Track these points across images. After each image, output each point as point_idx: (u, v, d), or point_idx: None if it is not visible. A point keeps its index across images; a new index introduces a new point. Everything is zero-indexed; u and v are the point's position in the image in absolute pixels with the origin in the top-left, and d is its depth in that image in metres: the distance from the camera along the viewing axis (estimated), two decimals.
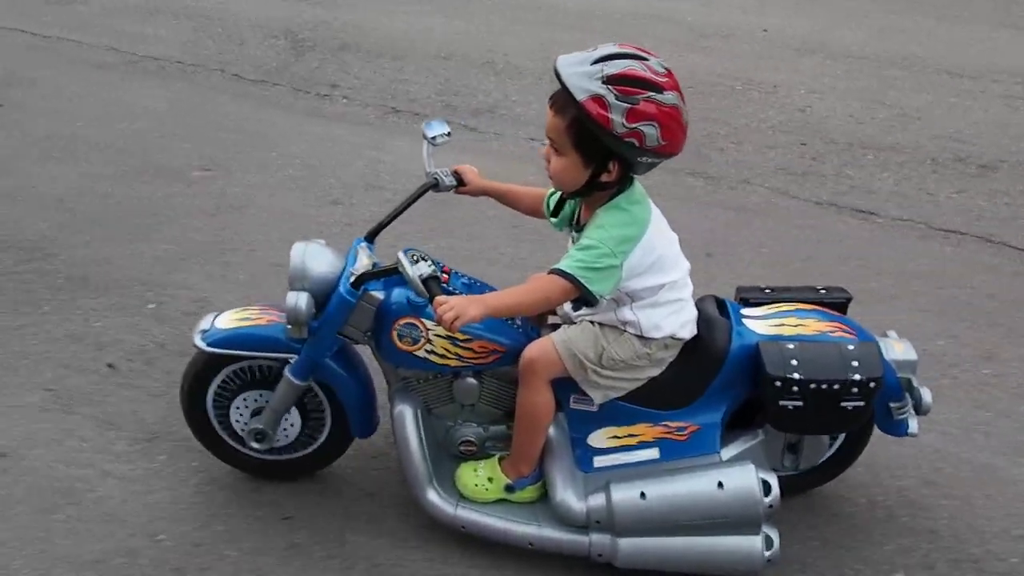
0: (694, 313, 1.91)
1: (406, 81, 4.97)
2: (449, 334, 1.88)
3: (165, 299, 2.96)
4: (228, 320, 2.05)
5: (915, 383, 1.96)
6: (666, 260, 1.84)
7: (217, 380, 2.08)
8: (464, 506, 1.99)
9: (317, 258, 1.94)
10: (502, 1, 6.29)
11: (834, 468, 2.13)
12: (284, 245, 2.06)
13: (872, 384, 1.81)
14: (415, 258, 1.77)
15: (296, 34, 5.64)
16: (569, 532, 1.93)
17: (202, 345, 2.01)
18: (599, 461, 1.96)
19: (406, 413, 1.99)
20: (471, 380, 1.98)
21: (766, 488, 1.85)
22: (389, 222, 1.98)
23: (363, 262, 1.92)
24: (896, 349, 1.97)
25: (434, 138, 2.03)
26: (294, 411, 2.11)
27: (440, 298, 1.70)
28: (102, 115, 4.48)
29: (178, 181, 3.84)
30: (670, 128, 1.69)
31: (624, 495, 1.88)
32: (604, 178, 1.75)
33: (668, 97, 1.68)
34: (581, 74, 1.67)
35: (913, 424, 2.00)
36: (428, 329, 1.91)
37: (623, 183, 1.79)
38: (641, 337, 1.86)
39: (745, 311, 1.99)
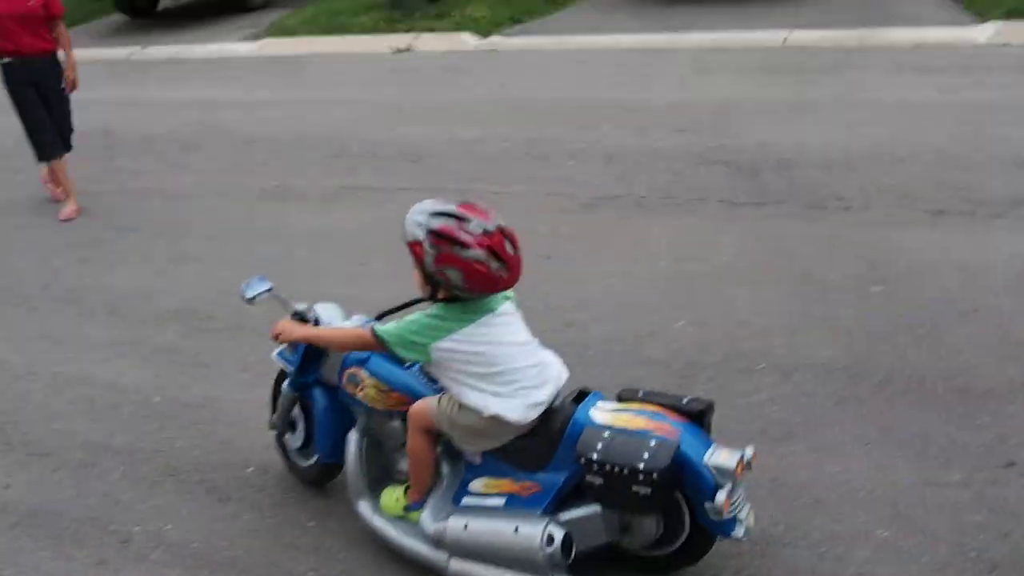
0: (530, 400, 2.46)
1: (893, 188, 5.16)
2: (376, 384, 2.69)
3: None
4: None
5: (722, 489, 2.31)
6: (493, 357, 2.44)
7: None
8: (378, 516, 2.75)
9: (327, 311, 2.87)
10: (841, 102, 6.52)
11: (689, 554, 2.53)
12: None
13: (655, 475, 2.25)
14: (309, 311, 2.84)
15: (702, 155, 5.84)
16: (429, 547, 2.62)
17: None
18: (466, 501, 2.62)
19: (352, 439, 2.80)
20: (395, 423, 2.72)
21: (550, 540, 2.40)
22: (392, 312, 2.78)
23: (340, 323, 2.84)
24: (721, 456, 2.34)
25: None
26: (301, 423, 3.05)
27: (279, 323, 2.74)
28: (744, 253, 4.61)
29: None
30: (472, 276, 2.36)
31: (455, 524, 2.55)
32: (439, 296, 2.47)
33: (471, 253, 2.33)
34: (415, 222, 2.39)
35: (739, 528, 2.38)
36: (364, 379, 2.72)
37: (459, 299, 2.45)
38: (478, 413, 2.45)
39: (601, 403, 2.51)
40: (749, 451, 2.37)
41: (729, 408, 3.43)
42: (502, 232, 2.37)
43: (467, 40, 9.13)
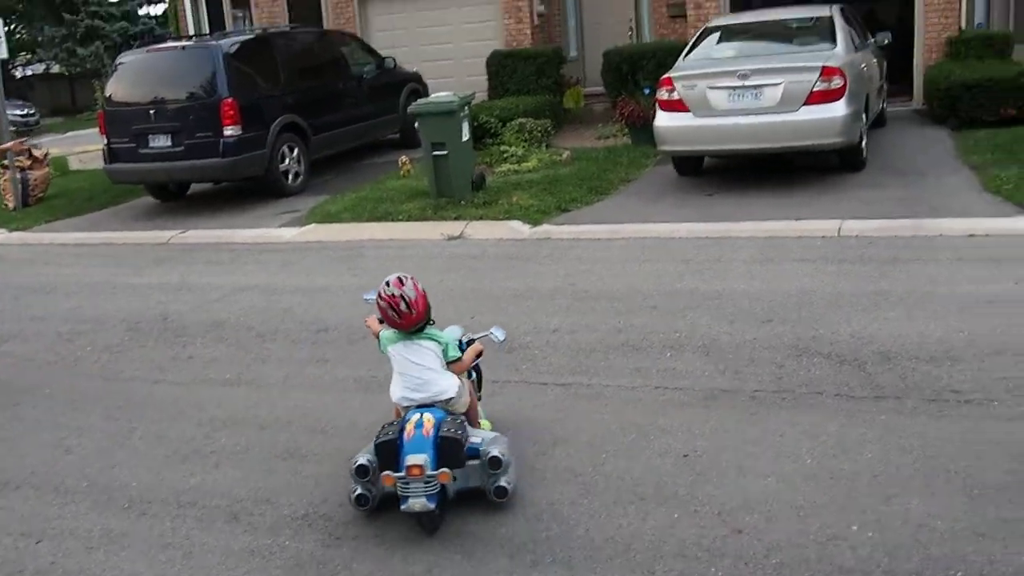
0: (404, 395, 4.33)
1: (1008, 380, 5.15)
2: None
3: None
4: None
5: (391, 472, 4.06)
6: (399, 363, 4.32)
7: None
8: None
9: (451, 329, 4.69)
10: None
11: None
12: None
13: (373, 445, 4.18)
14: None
15: (798, 346, 5.82)
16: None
17: None
18: None
19: None
20: None
21: (354, 462, 4.16)
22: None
23: None
24: (408, 458, 3.98)
25: None
26: None
27: (368, 318, 4.73)
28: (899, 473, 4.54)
29: None
30: (383, 315, 4.30)
31: None
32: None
33: (380, 303, 4.24)
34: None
35: (403, 504, 3.98)
36: None
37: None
38: None
39: (427, 413, 4.20)
40: (435, 474, 3.95)
41: None
42: (402, 297, 4.16)
43: (520, 228, 9.25)
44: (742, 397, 5.28)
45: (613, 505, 4.26)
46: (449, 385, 4.28)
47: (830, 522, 3.97)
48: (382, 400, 5.42)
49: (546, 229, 9.27)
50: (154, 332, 7.42)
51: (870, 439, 4.66)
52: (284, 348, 6.77)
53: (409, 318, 4.21)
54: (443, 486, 4.01)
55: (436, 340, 4.34)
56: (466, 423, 4.30)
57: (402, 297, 4.16)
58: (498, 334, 4.75)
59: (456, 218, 9.80)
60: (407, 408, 4.27)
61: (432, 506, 3.94)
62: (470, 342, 4.63)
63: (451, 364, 4.37)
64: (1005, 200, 8.68)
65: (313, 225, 10.45)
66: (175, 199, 12.97)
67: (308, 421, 5.47)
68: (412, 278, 4.26)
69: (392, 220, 10.11)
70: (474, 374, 4.85)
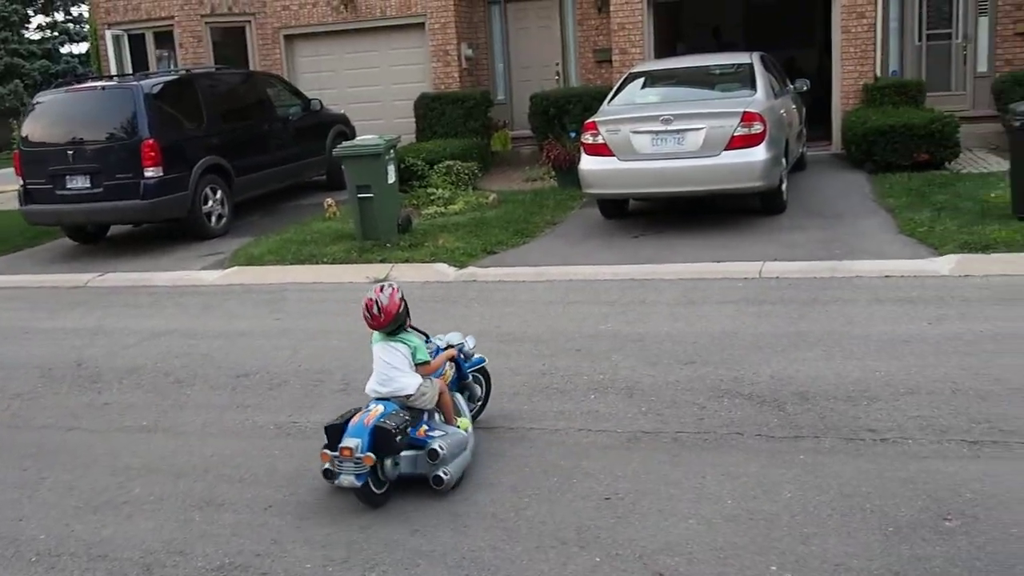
0: (373, 387, 4.88)
1: (921, 419, 5.28)
2: None
3: None
4: None
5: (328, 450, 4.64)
6: (374, 360, 4.88)
7: None
8: None
9: (451, 335, 5.56)
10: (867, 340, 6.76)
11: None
12: None
13: (325, 426, 4.80)
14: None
15: (719, 388, 5.90)
16: None
17: None
18: None
19: None
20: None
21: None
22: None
23: None
24: (343, 440, 4.58)
25: None
26: None
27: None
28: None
29: None
30: (363, 316, 4.84)
31: None
32: None
33: (363, 306, 4.80)
34: None
35: (336, 479, 4.55)
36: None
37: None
38: None
39: (375, 405, 4.81)
40: (362, 456, 4.47)
41: None
42: (376, 302, 4.76)
43: (445, 271, 9.26)
44: (664, 439, 5.32)
45: (535, 550, 4.25)
46: (409, 384, 4.81)
47: (749, 563, 4.01)
48: (303, 446, 5.37)
49: (472, 271, 9.29)
50: (68, 378, 7.24)
51: (789, 479, 4.73)
52: (203, 394, 6.64)
53: (378, 320, 4.80)
54: (374, 468, 4.54)
55: (407, 344, 4.89)
56: (411, 418, 4.78)
57: (376, 302, 4.78)
58: (469, 342, 5.52)
59: (381, 261, 9.78)
60: (373, 399, 4.81)
61: (358, 484, 4.49)
62: (447, 348, 5.25)
63: (419, 366, 4.89)
64: (919, 242, 8.94)
65: (236, 268, 10.33)
66: (94, 241, 12.72)
67: (226, 469, 5.37)
68: (394, 288, 4.86)
69: (317, 263, 10.05)
70: (482, 379, 5.64)
